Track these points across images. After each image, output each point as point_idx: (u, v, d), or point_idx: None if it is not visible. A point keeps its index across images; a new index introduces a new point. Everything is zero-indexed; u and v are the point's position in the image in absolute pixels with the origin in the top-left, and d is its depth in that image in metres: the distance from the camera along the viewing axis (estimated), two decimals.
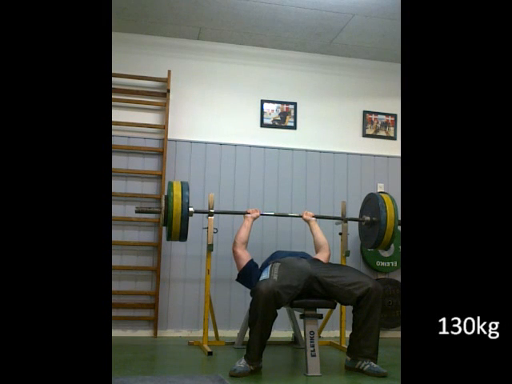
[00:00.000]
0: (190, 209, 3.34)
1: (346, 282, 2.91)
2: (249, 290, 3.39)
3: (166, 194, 3.44)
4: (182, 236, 3.36)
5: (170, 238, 3.40)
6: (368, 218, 3.66)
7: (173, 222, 3.27)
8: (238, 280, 3.48)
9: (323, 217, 3.93)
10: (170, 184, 3.37)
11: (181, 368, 2.95)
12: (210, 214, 3.53)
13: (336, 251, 3.96)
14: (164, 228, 3.87)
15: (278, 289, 2.75)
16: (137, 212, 3.50)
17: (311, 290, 2.95)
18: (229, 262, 4.09)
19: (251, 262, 3.37)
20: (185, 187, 3.35)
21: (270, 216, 4.05)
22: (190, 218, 3.33)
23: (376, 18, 3.99)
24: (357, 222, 3.89)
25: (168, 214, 3.28)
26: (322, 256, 3.45)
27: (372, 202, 3.66)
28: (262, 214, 3.69)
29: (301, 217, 3.75)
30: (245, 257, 3.38)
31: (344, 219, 3.81)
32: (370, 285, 2.87)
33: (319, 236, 3.59)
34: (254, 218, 3.58)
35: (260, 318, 2.72)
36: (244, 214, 3.61)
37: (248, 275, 3.31)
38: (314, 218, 3.69)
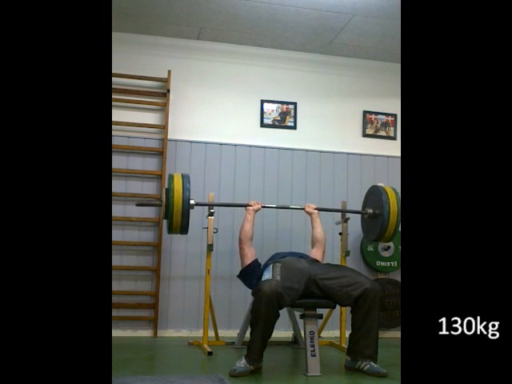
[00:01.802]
0: (191, 201, 3.28)
1: (343, 283, 2.91)
2: (249, 290, 3.39)
3: (166, 186, 3.39)
4: (183, 229, 3.30)
5: (170, 231, 3.34)
6: (371, 211, 3.58)
7: (174, 215, 3.21)
8: (239, 277, 3.46)
9: (325, 209, 3.89)
10: (171, 176, 3.32)
11: (181, 368, 2.95)
12: (210, 214, 3.52)
13: (336, 251, 3.96)
14: (164, 222, 3.82)
15: (281, 289, 2.75)
16: (137, 205, 3.46)
17: (310, 292, 2.95)
18: (229, 261, 4.10)
19: (256, 261, 3.35)
20: (185, 179, 3.29)
21: (271, 209, 4.02)
22: (190, 213, 3.28)
23: (376, 17, 3.99)
24: (357, 222, 3.87)
25: (169, 207, 3.21)
26: (318, 252, 3.46)
27: (375, 195, 3.59)
28: (263, 207, 3.63)
29: (303, 209, 3.71)
30: (250, 255, 3.35)
31: (345, 211, 3.79)
32: (367, 285, 2.87)
33: (318, 231, 3.56)
34: (256, 211, 3.53)
35: (262, 318, 2.72)
36: (245, 206, 3.56)
37: (250, 275, 3.30)
38: (316, 211, 3.65)
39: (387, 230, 3.45)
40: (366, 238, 3.89)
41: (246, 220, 3.46)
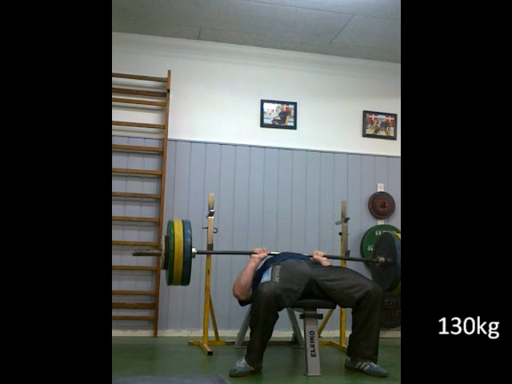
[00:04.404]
0: (193, 250, 3.12)
1: (345, 285, 2.91)
2: None
3: (166, 234, 3.21)
4: (185, 280, 3.12)
5: (171, 282, 3.14)
6: (383, 259, 3.39)
7: (174, 265, 3.02)
8: (244, 304, 3.30)
9: (333, 257, 3.65)
10: (171, 223, 3.14)
11: (181, 368, 2.95)
12: (210, 214, 3.52)
13: (336, 251, 3.96)
14: (163, 271, 3.51)
15: (279, 291, 2.74)
16: (134, 255, 3.26)
17: (311, 293, 2.94)
18: (229, 261, 4.10)
19: (254, 281, 3.18)
20: (186, 226, 3.11)
21: (272, 211, 3.93)
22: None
23: (376, 17, 3.99)
24: (357, 222, 3.86)
25: (169, 256, 3.03)
26: None
27: (386, 242, 3.40)
28: (269, 254, 3.34)
29: (311, 257, 3.37)
30: (249, 292, 3.16)
31: (354, 259, 3.65)
32: (369, 287, 2.86)
33: None
34: (261, 259, 3.28)
35: (261, 320, 2.72)
36: (250, 253, 3.32)
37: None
38: (325, 259, 3.29)
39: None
40: None
41: (249, 268, 3.18)
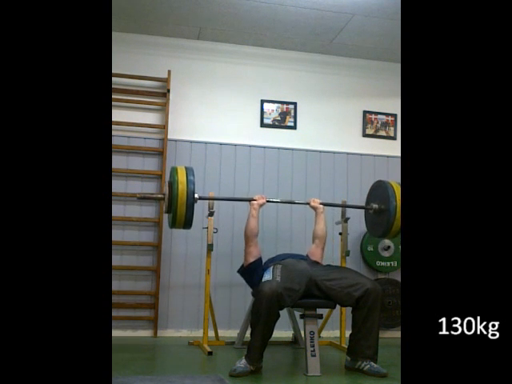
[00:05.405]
0: (195, 195, 3.18)
1: (344, 284, 2.91)
2: (249, 290, 3.39)
3: (169, 179, 3.27)
4: (187, 223, 3.19)
5: (174, 225, 3.22)
6: (376, 206, 3.46)
7: (178, 208, 3.09)
8: (239, 272, 3.42)
9: (329, 204, 3.81)
10: (174, 169, 3.21)
11: (181, 368, 2.95)
12: (210, 214, 3.52)
13: (336, 251, 3.96)
14: (165, 220, 3.70)
15: (281, 290, 2.75)
16: (139, 198, 3.39)
17: (310, 294, 2.94)
18: (229, 261, 4.10)
19: (259, 260, 3.29)
20: (189, 172, 3.19)
21: (272, 209, 3.98)
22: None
23: (376, 17, 3.99)
24: (357, 222, 3.86)
25: (173, 200, 3.10)
26: (317, 250, 3.41)
27: (380, 190, 3.49)
28: (268, 201, 3.51)
29: (308, 204, 3.62)
30: (256, 253, 3.27)
31: (350, 206, 3.75)
32: (368, 285, 2.87)
33: (321, 227, 3.48)
34: (261, 205, 3.43)
35: (263, 319, 2.72)
36: (249, 200, 3.45)
37: (252, 272, 3.23)
38: (321, 206, 3.55)
39: (394, 224, 3.30)
40: (372, 234, 3.71)
41: (251, 216, 3.33)
